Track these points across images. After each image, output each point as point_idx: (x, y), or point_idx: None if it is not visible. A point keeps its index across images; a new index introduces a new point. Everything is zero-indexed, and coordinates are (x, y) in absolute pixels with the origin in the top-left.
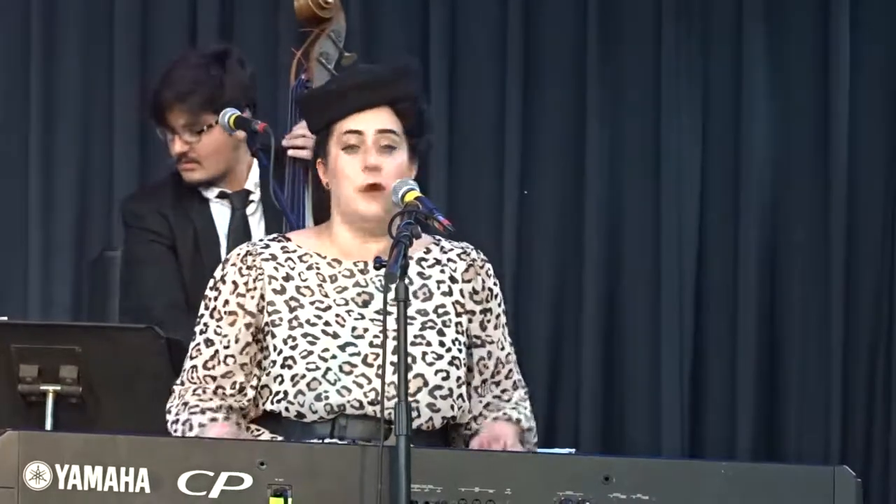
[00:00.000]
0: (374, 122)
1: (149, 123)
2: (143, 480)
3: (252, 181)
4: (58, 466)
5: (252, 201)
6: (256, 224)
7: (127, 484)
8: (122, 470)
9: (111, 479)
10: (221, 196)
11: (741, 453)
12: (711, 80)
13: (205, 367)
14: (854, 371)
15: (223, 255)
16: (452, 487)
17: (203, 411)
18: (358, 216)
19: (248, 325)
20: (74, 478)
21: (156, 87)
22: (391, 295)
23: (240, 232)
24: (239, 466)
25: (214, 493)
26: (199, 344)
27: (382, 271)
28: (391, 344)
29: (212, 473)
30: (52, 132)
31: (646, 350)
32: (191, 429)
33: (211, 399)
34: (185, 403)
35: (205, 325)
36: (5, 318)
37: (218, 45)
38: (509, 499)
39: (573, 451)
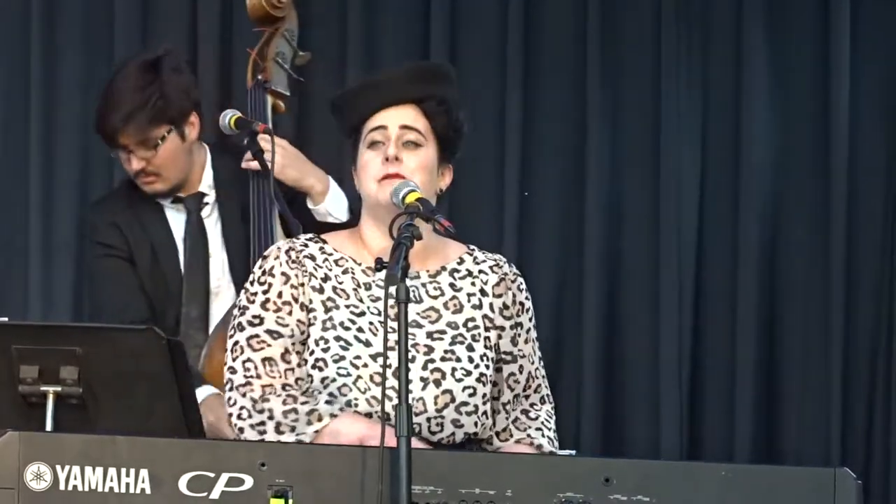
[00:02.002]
0: (397, 118)
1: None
2: (143, 481)
3: (206, 183)
4: (58, 467)
5: (206, 203)
6: (213, 226)
7: (127, 485)
8: (123, 471)
9: (112, 480)
10: (176, 201)
11: (741, 455)
12: (711, 80)
13: (283, 359)
14: (854, 372)
15: (182, 260)
16: (453, 489)
17: (328, 402)
18: (379, 206)
19: (304, 320)
20: (75, 479)
21: (99, 111)
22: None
23: (196, 235)
24: (239, 467)
25: (215, 495)
26: (257, 335)
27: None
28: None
29: (212, 474)
30: (53, 132)
31: (646, 351)
32: (319, 419)
33: (306, 400)
34: (294, 398)
35: (256, 317)
36: (6, 319)
37: (149, 53)
38: (510, 500)
39: (573, 452)
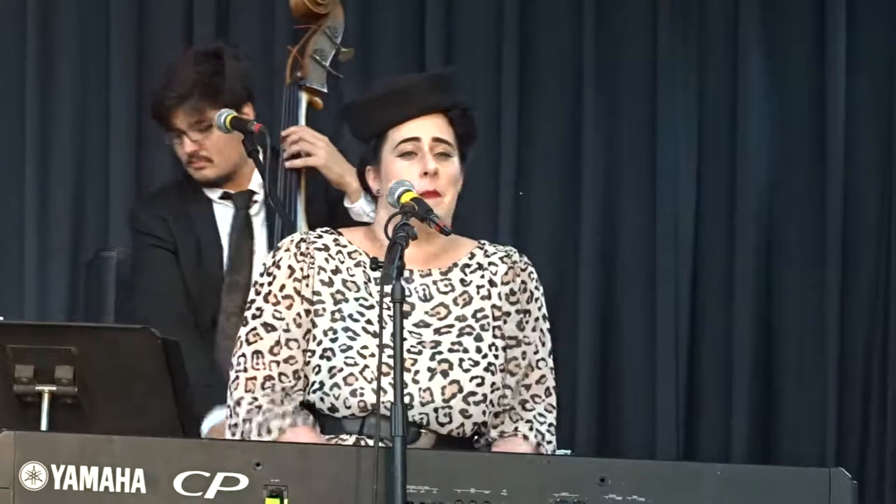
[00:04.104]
0: (431, 129)
1: (146, 124)
2: (139, 481)
3: (256, 181)
4: (54, 467)
5: (256, 201)
6: (260, 224)
7: (123, 484)
8: (118, 470)
9: (107, 480)
10: (225, 197)
11: (737, 455)
12: (707, 84)
13: (271, 352)
14: (849, 373)
15: (225, 257)
16: (448, 489)
17: (283, 415)
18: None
19: (306, 312)
20: (70, 478)
21: (157, 92)
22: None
23: (243, 232)
24: (235, 467)
25: (210, 494)
26: (255, 329)
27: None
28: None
29: (207, 474)
30: (48, 133)
31: (642, 352)
32: (269, 432)
33: (283, 402)
34: (259, 406)
35: (258, 310)
36: (1, 318)
37: (213, 43)
38: (505, 500)
39: (569, 452)
